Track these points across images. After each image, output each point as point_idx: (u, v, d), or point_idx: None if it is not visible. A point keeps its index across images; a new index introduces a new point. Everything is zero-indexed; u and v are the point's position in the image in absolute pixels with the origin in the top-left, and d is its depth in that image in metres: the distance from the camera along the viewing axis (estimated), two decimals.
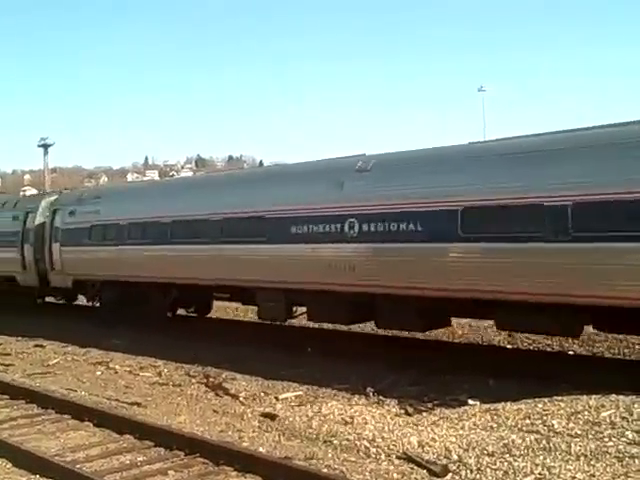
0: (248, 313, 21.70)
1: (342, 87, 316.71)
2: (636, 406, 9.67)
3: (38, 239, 24.76)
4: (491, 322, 14.52)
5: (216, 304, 22.64)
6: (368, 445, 9.39)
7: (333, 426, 10.30)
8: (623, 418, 9.37)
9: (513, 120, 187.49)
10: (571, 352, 15.28)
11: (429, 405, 11.33)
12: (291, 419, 10.88)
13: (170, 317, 21.89)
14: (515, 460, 8.45)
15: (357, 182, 14.80)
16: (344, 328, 18.31)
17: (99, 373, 15.50)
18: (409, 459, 8.81)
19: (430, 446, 9.12)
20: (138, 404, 12.45)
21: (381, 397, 11.98)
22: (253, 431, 10.56)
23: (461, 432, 9.62)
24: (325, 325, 18.61)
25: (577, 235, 11.38)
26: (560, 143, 12.39)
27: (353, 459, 9.02)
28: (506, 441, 9.01)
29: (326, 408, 11.23)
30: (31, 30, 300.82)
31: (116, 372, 15.47)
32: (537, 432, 9.31)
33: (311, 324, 19.28)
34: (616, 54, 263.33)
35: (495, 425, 9.81)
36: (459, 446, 9.01)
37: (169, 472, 8.96)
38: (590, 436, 8.98)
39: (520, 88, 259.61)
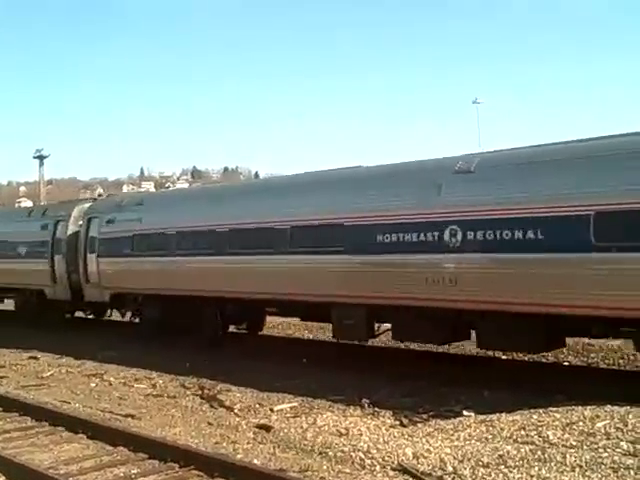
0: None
1: (340, 100, 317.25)
2: (631, 417, 9.67)
3: (70, 250, 23.23)
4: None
5: None
6: (363, 457, 9.36)
7: (328, 437, 10.28)
8: (618, 429, 9.37)
9: (511, 132, 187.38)
10: (566, 363, 15.29)
11: (424, 416, 11.31)
12: (286, 431, 10.85)
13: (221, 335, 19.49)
14: (510, 471, 8.42)
15: (458, 185, 13.34)
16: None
17: (93, 385, 15.44)
18: (404, 470, 8.78)
19: (425, 457, 9.09)
20: (132, 416, 12.41)
21: (376, 408, 11.96)
22: (248, 443, 10.52)
23: (456, 443, 9.60)
24: (320, 336, 18.60)
25: None
26: None
27: (348, 471, 8.99)
28: (501, 452, 8.98)
29: (321, 419, 11.21)
30: (27, 42, 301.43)
31: (110, 384, 15.42)
32: (532, 443, 9.29)
33: (305, 334, 19.28)
34: (614, 65, 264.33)
35: (490, 436, 9.79)
36: (454, 457, 8.98)
37: None
38: (585, 447, 8.96)
39: (518, 99, 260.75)
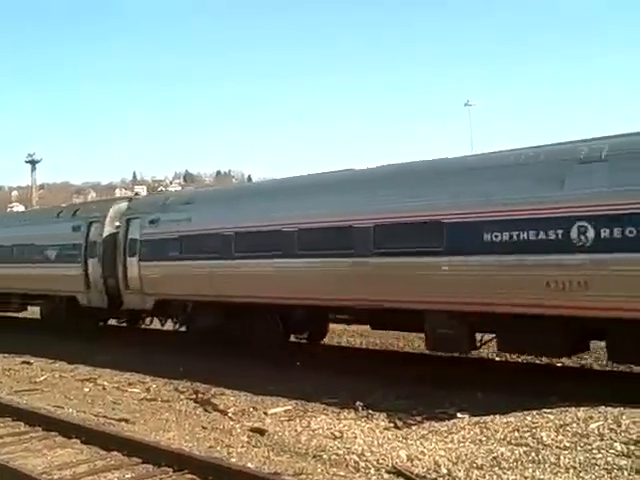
0: None
1: (336, 101, 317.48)
2: (624, 418, 9.69)
3: (107, 253, 21.49)
4: (479, 335, 14.21)
5: None
6: (357, 459, 9.36)
7: (322, 441, 10.27)
8: (611, 430, 9.38)
9: (507, 132, 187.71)
10: (559, 364, 15.31)
11: (418, 419, 11.33)
12: (280, 434, 10.84)
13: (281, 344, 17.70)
14: (504, 473, 8.43)
15: (587, 176, 11.81)
16: (332, 342, 18.28)
17: (87, 390, 15.39)
18: (398, 473, 8.78)
19: (419, 460, 9.10)
20: (126, 420, 12.38)
21: (370, 411, 11.97)
22: (242, 446, 10.50)
23: (450, 445, 9.61)
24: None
25: None
26: None
27: (342, 474, 8.99)
28: (495, 454, 9.00)
29: (315, 423, 11.20)
30: (17, 45, 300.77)
31: (104, 388, 15.37)
32: (526, 445, 9.30)
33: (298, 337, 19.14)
34: (613, 61, 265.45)
35: (484, 438, 9.80)
36: (448, 459, 8.99)
37: None
38: (579, 448, 8.98)
39: (515, 99, 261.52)
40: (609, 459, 8.49)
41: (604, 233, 11.40)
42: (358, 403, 12.34)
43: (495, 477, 8.34)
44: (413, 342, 18.32)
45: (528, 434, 9.65)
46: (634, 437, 9.05)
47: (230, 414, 12.45)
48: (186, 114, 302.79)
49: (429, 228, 13.52)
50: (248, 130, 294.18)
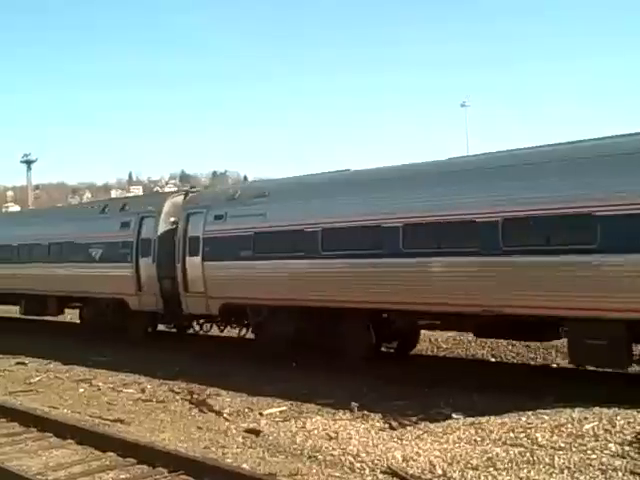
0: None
1: (326, 102, 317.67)
2: (619, 418, 9.70)
3: (163, 252, 19.50)
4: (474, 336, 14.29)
5: None
6: (352, 460, 9.35)
7: (317, 441, 10.26)
8: (606, 430, 9.39)
9: (504, 133, 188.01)
10: (554, 365, 15.34)
11: (413, 419, 11.33)
12: (275, 435, 10.83)
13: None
14: (499, 474, 8.44)
15: None
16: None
17: (82, 390, 15.38)
18: (393, 474, 8.78)
19: (414, 460, 9.09)
20: (121, 421, 12.36)
21: (365, 412, 11.97)
22: (237, 447, 10.49)
23: (445, 446, 9.61)
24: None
25: None
26: None
27: (338, 474, 8.99)
28: (490, 455, 9.00)
29: (310, 423, 11.19)
30: (12, 45, 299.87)
31: (99, 389, 15.35)
32: (521, 445, 9.31)
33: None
34: (612, 60, 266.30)
35: (479, 439, 9.80)
36: (443, 460, 8.99)
37: None
38: (574, 449, 8.99)
39: (511, 101, 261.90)
40: (604, 460, 8.51)
41: None
42: (353, 404, 12.35)
43: (490, 478, 8.34)
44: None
45: (523, 435, 9.66)
46: (629, 438, 9.07)
47: (225, 415, 12.45)
48: (182, 115, 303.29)
49: (575, 222, 11.88)
50: (244, 131, 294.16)
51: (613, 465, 8.34)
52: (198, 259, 18.27)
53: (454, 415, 11.27)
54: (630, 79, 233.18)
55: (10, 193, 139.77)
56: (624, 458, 8.53)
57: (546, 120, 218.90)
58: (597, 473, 8.20)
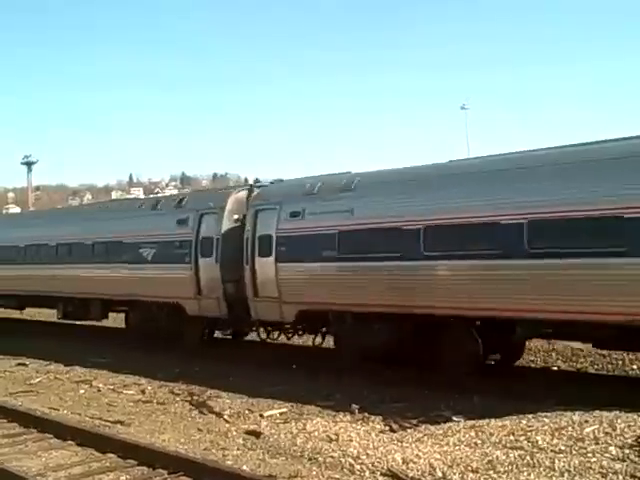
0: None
1: (327, 104, 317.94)
2: (619, 421, 9.70)
3: (227, 252, 17.88)
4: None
5: None
6: (353, 462, 9.35)
7: (318, 443, 10.26)
8: (607, 434, 9.39)
9: (503, 136, 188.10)
10: (555, 368, 15.34)
11: (413, 422, 11.32)
12: (275, 436, 10.83)
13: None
14: (499, 476, 8.44)
15: None
16: (328, 345, 18.22)
17: (82, 391, 15.37)
18: (393, 476, 8.78)
19: (414, 463, 9.09)
20: (121, 422, 12.36)
21: (366, 414, 11.95)
22: (237, 449, 10.49)
23: (445, 448, 9.60)
24: (309, 342, 18.50)
25: None
26: None
27: (338, 476, 8.98)
28: (490, 457, 9.00)
29: (311, 425, 11.19)
30: (13, 46, 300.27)
31: (99, 390, 15.35)
32: (521, 448, 9.31)
33: (294, 340, 18.99)
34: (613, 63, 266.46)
35: (479, 441, 9.79)
36: (443, 463, 8.99)
37: None
38: (574, 452, 8.98)
39: (510, 103, 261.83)
40: (604, 463, 8.50)
41: None
42: (354, 406, 12.33)
43: None
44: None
45: (523, 437, 9.65)
46: (629, 441, 9.07)
47: (225, 416, 12.44)
48: (182, 117, 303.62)
49: None
50: (244, 133, 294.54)
51: (613, 468, 8.33)
52: (270, 260, 16.61)
53: (454, 418, 11.26)
54: (630, 83, 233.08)
55: (11, 194, 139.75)
56: (624, 461, 8.52)
57: (546, 123, 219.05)
58: (597, 476, 8.20)
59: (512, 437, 9.74)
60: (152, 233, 20.31)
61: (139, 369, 16.80)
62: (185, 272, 18.84)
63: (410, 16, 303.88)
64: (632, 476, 8.13)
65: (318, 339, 17.46)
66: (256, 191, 18.49)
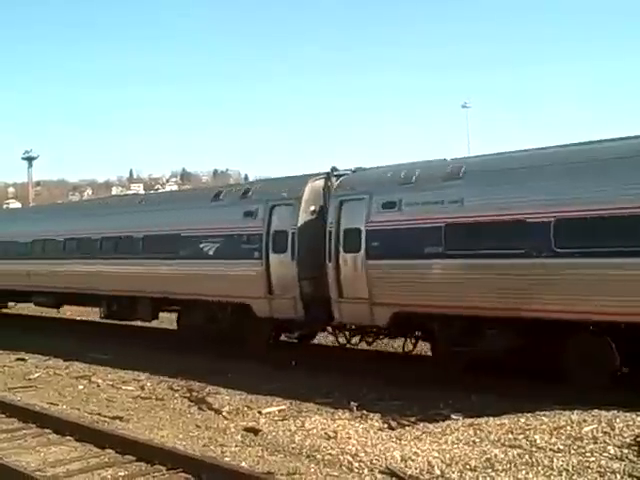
0: None
1: (327, 102, 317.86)
2: (618, 421, 9.71)
3: (303, 247, 16.26)
4: None
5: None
6: (351, 460, 9.36)
7: (316, 440, 10.27)
8: (605, 433, 9.40)
9: (505, 136, 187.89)
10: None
11: (412, 419, 11.33)
12: (274, 433, 10.84)
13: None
14: (498, 475, 8.45)
15: None
16: (327, 342, 18.25)
17: (81, 387, 15.38)
18: (392, 474, 8.79)
19: (413, 461, 9.10)
20: (120, 418, 12.38)
21: (364, 411, 11.96)
22: (236, 445, 10.50)
23: (444, 447, 9.62)
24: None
25: None
26: None
27: (336, 474, 9.00)
28: (489, 456, 9.01)
29: (309, 422, 11.20)
30: (14, 43, 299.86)
31: (98, 386, 15.36)
32: (520, 447, 9.32)
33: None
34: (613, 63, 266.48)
35: (478, 440, 9.81)
36: (442, 461, 9.00)
37: None
38: (572, 451, 9.00)
39: (510, 102, 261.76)
40: (602, 462, 8.51)
41: None
42: (352, 403, 12.35)
43: (488, 479, 8.36)
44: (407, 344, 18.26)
45: (522, 436, 9.67)
46: (628, 440, 9.09)
47: (224, 413, 12.45)
48: (183, 113, 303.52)
49: None
50: (244, 130, 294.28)
51: (612, 468, 8.35)
52: (359, 256, 14.94)
53: (453, 416, 11.26)
54: (630, 82, 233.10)
55: (11, 189, 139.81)
56: (623, 461, 8.54)
57: (546, 122, 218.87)
58: (595, 476, 8.21)
59: (511, 435, 9.76)
60: (213, 226, 18.48)
61: (138, 365, 16.79)
62: (254, 269, 17.11)
63: (410, 15, 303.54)
64: (630, 475, 8.15)
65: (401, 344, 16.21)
66: (338, 179, 16.54)
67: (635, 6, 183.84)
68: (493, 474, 8.47)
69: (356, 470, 9.07)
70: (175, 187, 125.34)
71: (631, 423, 9.59)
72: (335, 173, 16.92)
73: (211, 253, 18.32)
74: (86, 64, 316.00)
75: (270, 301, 16.87)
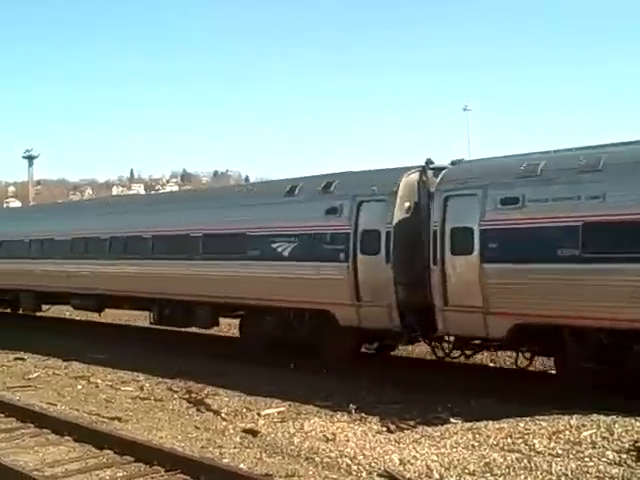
0: (231, 329, 21.54)
1: (327, 103, 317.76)
2: (617, 426, 9.70)
3: (398, 248, 14.57)
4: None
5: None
6: (350, 462, 9.35)
7: (315, 443, 10.26)
8: (604, 438, 9.40)
9: (505, 139, 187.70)
10: (553, 371, 15.31)
11: (411, 423, 11.33)
12: (273, 435, 10.83)
13: None
14: (496, 479, 8.44)
15: None
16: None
17: (80, 387, 15.37)
18: (390, 477, 8.78)
19: (411, 464, 9.09)
20: (119, 419, 12.38)
21: (363, 414, 11.96)
22: (234, 447, 10.50)
23: (443, 450, 9.61)
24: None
25: None
26: None
27: (334, 476, 8.99)
28: (487, 460, 9.00)
29: (308, 425, 11.19)
30: (14, 42, 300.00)
31: (97, 386, 15.36)
32: (518, 451, 9.32)
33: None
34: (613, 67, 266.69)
35: (477, 444, 9.80)
36: (440, 464, 8.99)
37: None
38: (571, 456, 8.99)
39: (511, 105, 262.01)
40: (601, 467, 8.51)
41: None
42: (351, 406, 12.34)
43: None
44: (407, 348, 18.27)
45: (520, 441, 9.66)
46: (626, 446, 9.08)
47: (223, 414, 12.45)
48: (183, 113, 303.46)
49: None
50: (245, 131, 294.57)
51: (610, 473, 8.34)
52: (471, 259, 13.27)
53: (452, 420, 11.27)
54: (631, 87, 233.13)
55: (11, 188, 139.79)
56: (621, 466, 8.54)
57: (546, 126, 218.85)
58: None
59: (509, 440, 9.76)
60: (289, 225, 16.73)
61: (137, 365, 16.79)
62: (338, 272, 15.34)
63: (411, 16, 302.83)
64: None
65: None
66: (445, 172, 14.70)
67: (635, 10, 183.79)
68: (492, 478, 8.47)
69: (354, 473, 9.06)
70: (175, 188, 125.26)
71: (630, 428, 9.57)
72: (431, 166, 15.15)
73: (285, 254, 16.60)
74: (86, 64, 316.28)
75: (358, 309, 15.12)
